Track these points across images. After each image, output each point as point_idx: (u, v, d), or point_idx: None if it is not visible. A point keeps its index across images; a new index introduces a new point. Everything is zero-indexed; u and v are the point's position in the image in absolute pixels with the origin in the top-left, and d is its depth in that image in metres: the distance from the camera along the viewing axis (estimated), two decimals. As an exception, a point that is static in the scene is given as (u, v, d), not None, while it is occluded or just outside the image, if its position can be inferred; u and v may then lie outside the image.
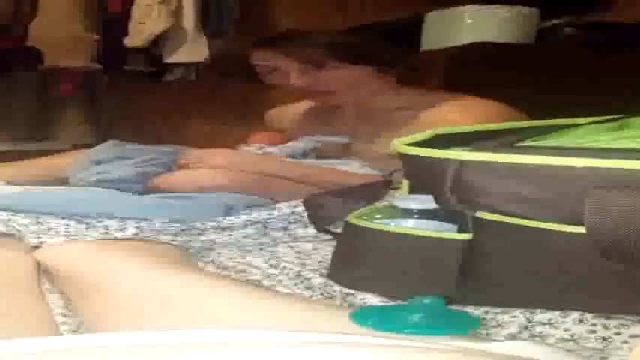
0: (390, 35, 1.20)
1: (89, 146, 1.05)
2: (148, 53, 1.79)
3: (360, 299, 0.56)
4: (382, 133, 1.01)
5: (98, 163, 0.94)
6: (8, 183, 0.88)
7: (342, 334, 0.39)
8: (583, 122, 0.72)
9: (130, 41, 1.76)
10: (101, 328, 0.55)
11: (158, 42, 1.74)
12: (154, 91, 1.82)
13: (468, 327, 0.48)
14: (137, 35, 1.80)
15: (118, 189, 0.85)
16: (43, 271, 0.64)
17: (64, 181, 0.92)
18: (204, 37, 1.77)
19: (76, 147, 1.11)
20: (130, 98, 1.79)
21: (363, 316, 0.48)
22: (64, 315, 0.55)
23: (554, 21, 1.31)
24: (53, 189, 0.85)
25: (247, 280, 0.63)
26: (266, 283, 0.61)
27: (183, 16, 1.73)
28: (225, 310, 0.53)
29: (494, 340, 0.44)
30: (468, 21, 1.22)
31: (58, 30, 1.40)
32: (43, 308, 0.57)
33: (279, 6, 1.74)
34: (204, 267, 0.67)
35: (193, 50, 1.79)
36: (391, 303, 0.55)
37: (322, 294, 0.58)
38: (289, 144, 1.04)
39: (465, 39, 1.26)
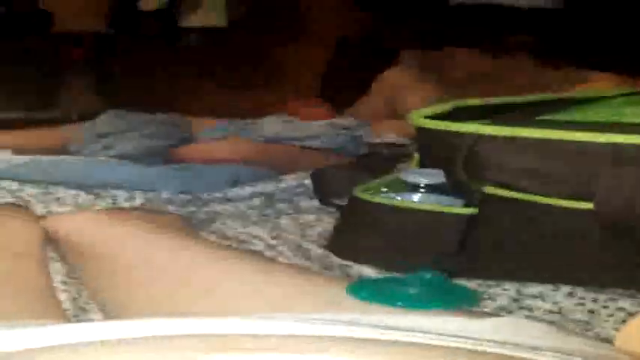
0: (412, 6, 1.21)
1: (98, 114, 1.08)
2: (162, 17, 1.80)
3: (357, 271, 0.58)
4: None
5: (102, 136, 0.97)
6: (16, 152, 0.91)
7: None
8: (610, 95, 0.72)
9: (144, 4, 1.77)
10: (104, 296, 0.58)
11: (173, 5, 1.74)
12: (168, 56, 1.85)
13: (466, 303, 0.50)
14: (151, -2, 1.81)
15: None
16: (49, 240, 0.67)
17: (70, 154, 0.96)
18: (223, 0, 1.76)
19: (84, 116, 1.15)
20: (142, 64, 1.82)
21: (359, 288, 0.50)
22: (65, 283, 0.59)
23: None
24: (62, 158, 0.88)
25: (248, 250, 0.65)
26: (267, 253, 0.65)
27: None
28: (227, 282, 0.55)
29: (484, 316, 0.46)
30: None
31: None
32: (45, 277, 0.60)
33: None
34: (207, 238, 0.70)
35: (211, 14, 1.79)
36: (389, 275, 0.57)
37: (321, 265, 0.61)
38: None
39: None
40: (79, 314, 0.56)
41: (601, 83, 1.03)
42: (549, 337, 0.40)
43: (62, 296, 0.58)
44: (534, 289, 0.52)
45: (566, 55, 1.11)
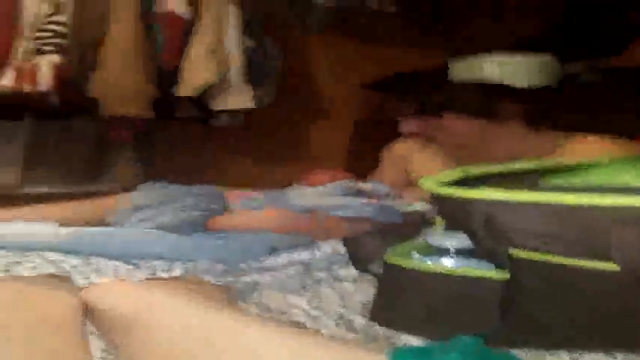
0: (416, 85, 1.26)
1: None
2: (195, 100, 1.88)
3: (403, 341, 0.57)
4: None
5: (140, 208, 0.98)
6: (61, 224, 0.92)
7: None
8: (605, 161, 0.73)
9: (180, 91, 1.85)
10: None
11: (205, 90, 1.82)
12: (201, 135, 1.93)
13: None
14: (187, 85, 1.89)
15: None
16: (88, 311, 0.67)
17: (110, 225, 0.97)
18: (250, 86, 1.85)
19: (125, 189, 1.18)
20: (178, 142, 1.90)
21: (401, 356, 0.48)
22: (104, 358, 0.58)
23: (576, 66, 1.34)
24: (104, 230, 0.89)
25: (290, 321, 0.64)
26: (308, 324, 0.63)
27: (230, 66, 1.82)
28: (268, 354, 0.54)
29: None
30: (491, 69, 1.28)
31: (117, 82, 1.52)
32: (84, 350, 0.59)
33: (316, 63, 1.85)
34: (247, 308, 0.69)
35: (239, 98, 1.87)
36: (430, 343, 0.55)
37: (365, 336, 0.59)
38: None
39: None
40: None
41: (592, 145, 1.03)
42: None
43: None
44: (589, 356, 0.50)
45: (555, 123, 1.14)
